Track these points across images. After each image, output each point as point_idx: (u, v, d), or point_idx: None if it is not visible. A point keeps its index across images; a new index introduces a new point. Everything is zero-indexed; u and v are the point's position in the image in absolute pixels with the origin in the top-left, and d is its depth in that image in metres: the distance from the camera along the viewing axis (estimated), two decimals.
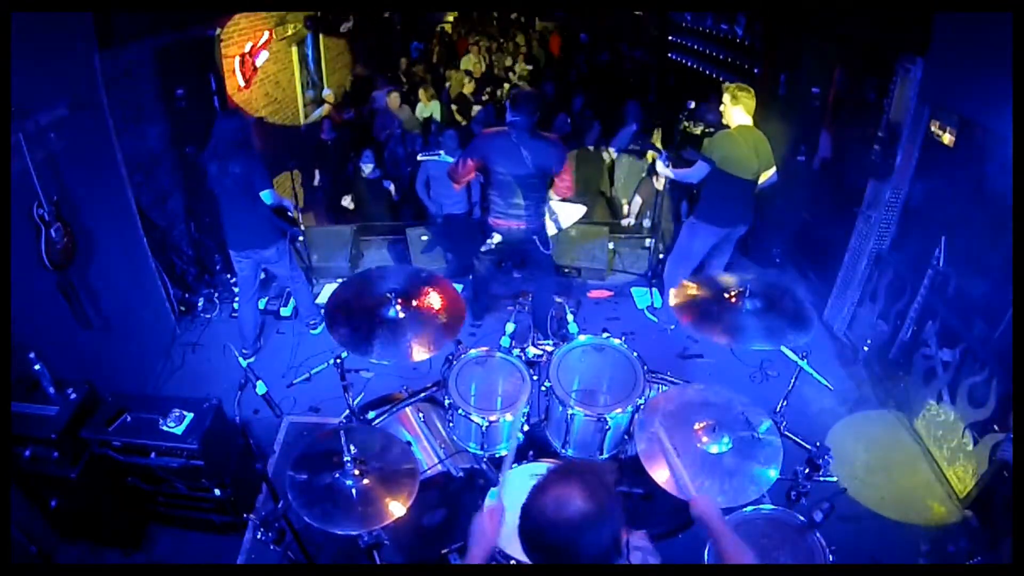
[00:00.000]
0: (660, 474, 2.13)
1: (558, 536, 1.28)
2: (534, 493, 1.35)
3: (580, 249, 5.34)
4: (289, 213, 4.35)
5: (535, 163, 3.73)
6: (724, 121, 4.16)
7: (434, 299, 2.52)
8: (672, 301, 2.70)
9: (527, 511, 1.33)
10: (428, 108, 7.92)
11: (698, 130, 5.13)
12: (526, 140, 3.71)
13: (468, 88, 8.77)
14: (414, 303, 2.49)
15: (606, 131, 6.73)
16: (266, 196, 3.91)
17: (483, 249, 4.13)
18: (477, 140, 3.96)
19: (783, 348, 2.57)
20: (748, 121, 4.06)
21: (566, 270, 5.37)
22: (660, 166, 4.47)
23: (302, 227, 4.88)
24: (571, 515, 1.27)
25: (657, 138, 6.40)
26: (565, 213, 4.14)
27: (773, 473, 2.17)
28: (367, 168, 6.04)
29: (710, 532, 1.72)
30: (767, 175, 4.19)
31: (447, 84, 9.13)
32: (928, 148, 3.65)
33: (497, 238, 4.00)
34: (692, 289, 2.69)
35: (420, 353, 2.36)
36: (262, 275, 4.43)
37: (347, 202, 6.19)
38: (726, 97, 4.09)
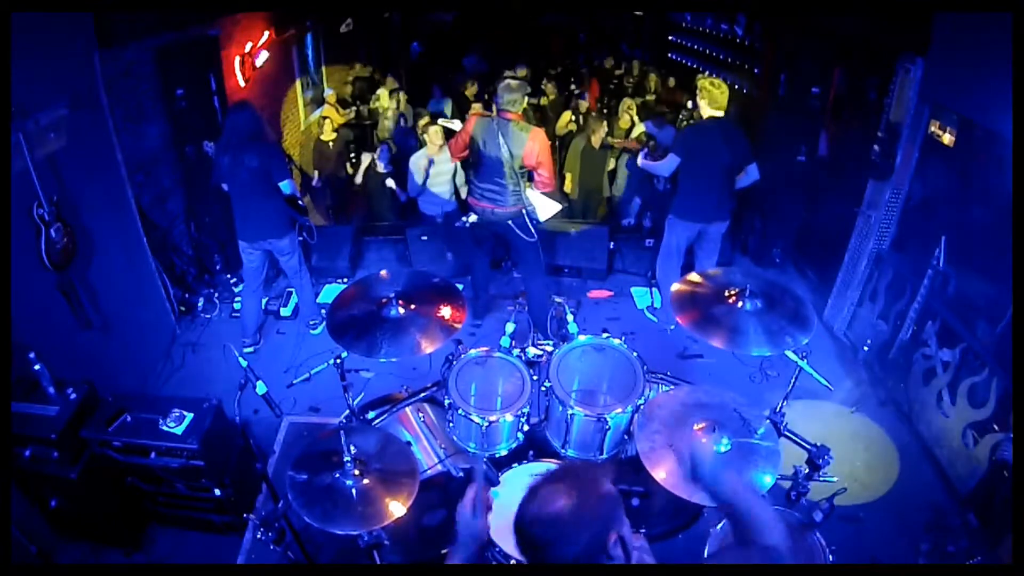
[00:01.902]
0: (660, 474, 2.13)
1: (542, 531, 1.31)
2: (529, 492, 1.39)
3: (580, 249, 5.34)
4: (300, 203, 4.37)
5: (511, 151, 3.84)
6: (699, 114, 4.21)
7: (444, 310, 2.53)
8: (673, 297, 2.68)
9: (522, 508, 1.37)
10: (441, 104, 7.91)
11: None
12: (506, 127, 3.82)
13: (471, 91, 8.75)
14: (418, 307, 2.50)
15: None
16: (285, 186, 3.96)
17: (457, 224, 4.30)
18: (468, 120, 4.13)
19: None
20: (717, 114, 4.08)
21: (566, 270, 5.37)
22: (639, 159, 4.58)
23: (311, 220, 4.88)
24: (553, 511, 1.30)
25: (632, 108, 6.50)
26: (541, 206, 4.17)
27: (769, 480, 2.16)
28: (382, 158, 5.99)
29: (733, 501, 1.67)
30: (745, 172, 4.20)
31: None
32: (928, 148, 3.65)
33: (473, 217, 4.15)
34: (691, 285, 2.67)
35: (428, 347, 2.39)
36: (263, 276, 4.43)
37: (390, 183, 5.92)
38: (697, 91, 4.14)
